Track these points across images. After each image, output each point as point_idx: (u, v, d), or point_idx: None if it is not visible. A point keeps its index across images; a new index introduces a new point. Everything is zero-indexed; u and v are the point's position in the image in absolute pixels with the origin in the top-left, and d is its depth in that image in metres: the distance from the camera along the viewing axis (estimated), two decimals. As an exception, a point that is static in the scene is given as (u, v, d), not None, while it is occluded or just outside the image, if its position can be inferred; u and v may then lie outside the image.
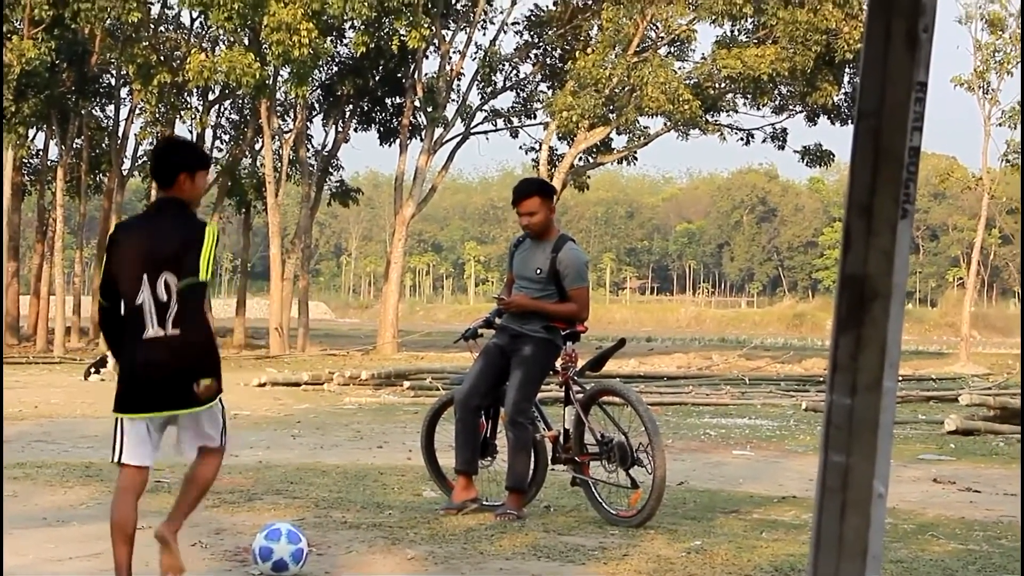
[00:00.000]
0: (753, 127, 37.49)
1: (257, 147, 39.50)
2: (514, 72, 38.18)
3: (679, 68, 34.66)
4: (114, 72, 36.56)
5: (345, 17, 31.61)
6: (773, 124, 37.05)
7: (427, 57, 36.50)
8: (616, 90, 33.04)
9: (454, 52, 36.38)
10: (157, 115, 35.41)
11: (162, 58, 34.04)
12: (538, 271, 7.58)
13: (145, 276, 5.15)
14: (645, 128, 37.06)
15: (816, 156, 37.24)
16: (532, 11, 37.56)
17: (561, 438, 7.75)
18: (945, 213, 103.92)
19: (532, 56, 38.06)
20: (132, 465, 5.23)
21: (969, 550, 6.81)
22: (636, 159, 39.01)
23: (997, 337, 63.73)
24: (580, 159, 36.45)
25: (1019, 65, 34.31)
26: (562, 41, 36.69)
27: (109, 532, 5.21)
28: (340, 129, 38.56)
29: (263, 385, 20.49)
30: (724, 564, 6.22)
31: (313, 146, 39.15)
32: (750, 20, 33.86)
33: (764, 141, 37.45)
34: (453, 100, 36.58)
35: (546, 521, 7.37)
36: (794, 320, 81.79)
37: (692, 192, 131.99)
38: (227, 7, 29.58)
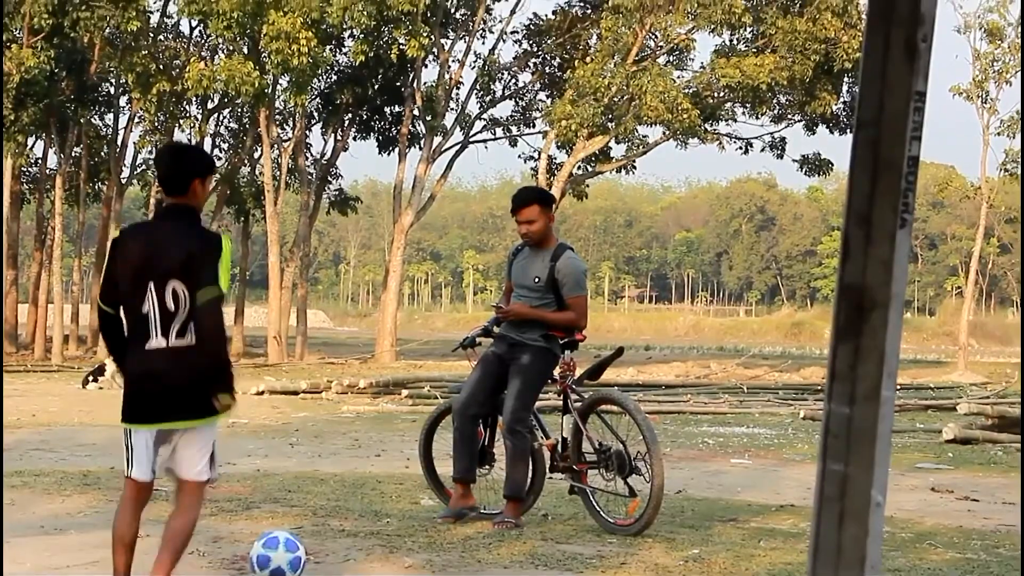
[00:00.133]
0: (752, 136, 37.57)
1: (256, 155, 39.51)
2: (513, 81, 38.28)
3: (678, 77, 34.71)
4: (113, 81, 36.55)
5: (344, 26, 31.66)
6: (772, 133, 37.09)
7: (426, 66, 36.58)
8: (615, 99, 33.06)
9: (453, 61, 36.45)
10: (156, 124, 35.41)
11: (161, 67, 34.03)
12: (536, 280, 7.58)
13: (152, 284, 5.01)
14: (644, 137, 37.11)
15: (815, 165, 37.27)
16: (531, 20, 37.62)
17: (559, 446, 7.75)
18: (944, 222, 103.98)
19: (531, 65, 38.11)
20: (135, 479, 5.17)
21: (967, 559, 6.81)
22: (635, 168, 39.05)
23: (995, 346, 63.72)
24: (579, 168, 36.47)
25: (1017, 75, 34.37)
26: (561, 50, 36.72)
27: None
28: (339, 138, 38.57)
29: (261, 393, 20.48)
30: (722, 573, 6.22)
31: (312, 154, 39.18)
32: (749, 29, 33.91)
33: (763, 150, 37.47)
34: (452, 109, 36.66)
35: (544, 529, 7.36)
36: (792, 329, 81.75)
37: (691, 201, 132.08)
38: (226, 16, 29.61)
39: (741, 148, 37.37)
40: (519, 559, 6.43)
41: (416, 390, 20.43)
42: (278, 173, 35.75)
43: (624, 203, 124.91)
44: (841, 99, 34.91)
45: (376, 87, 37.13)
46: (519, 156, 44.72)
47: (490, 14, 36.96)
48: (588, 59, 33.77)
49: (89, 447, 12.03)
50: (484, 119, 37.81)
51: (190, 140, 36.65)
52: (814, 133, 36.17)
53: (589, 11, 36.22)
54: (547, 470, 7.73)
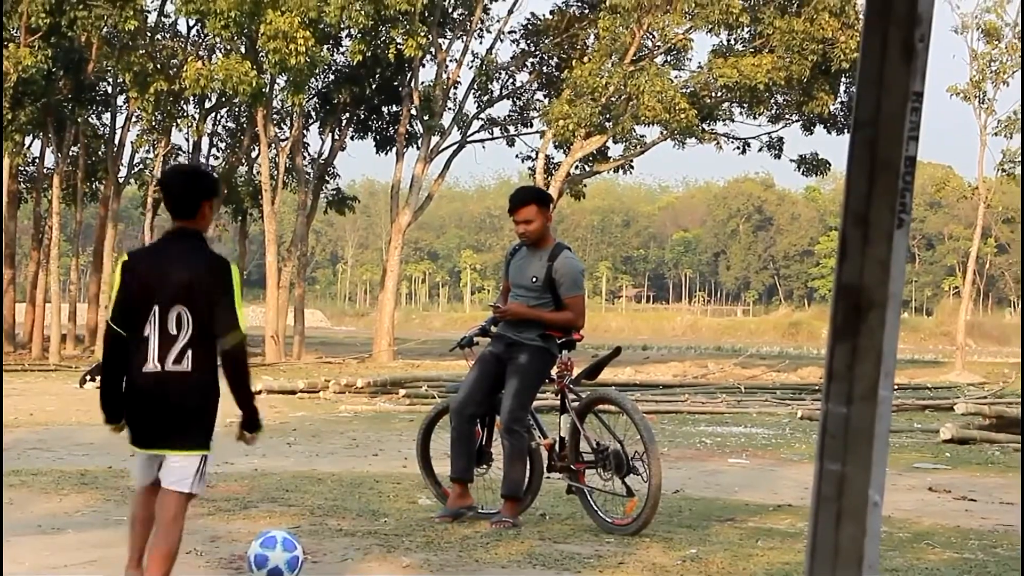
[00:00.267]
0: (749, 136, 37.59)
1: (253, 155, 39.49)
2: (510, 81, 38.28)
3: (675, 77, 34.69)
4: (111, 80, 36.53)
5: (342, 25, 31.63)
6: (769, 133, 37.11)
7: (423, 65, 36.58)
8: (612, 99, 33.07)
9: (450, 60, 36.46)
10: (153, 123, 35.38)
11: (159, 66, 34.01)
12: (534, 279, 7.58)
13: (157, 308, 5.02)
14: (641, 137, 37.12)
15: (812, 165, 37.27)
16: (529, 20, 37.63)
17: (557, 446, 7.75)
18: (941, 222, 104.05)
19: (528, 65, 38.10)
20: (138, 486, 5.29)
21: (964, 559, 6.81)
22: (632, 168, 39.08)
23: (993, 346, 63.73)
24: (576, 168, 36.46)
25: (1016, 74, 34.39)
26: (559, 50, 36.71)
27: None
28: (336, 137, 38.57)
29: (259, 393, 20.43)
30: (719, 572, 6.22)
31: (309, 154, 39.19)
32: (746, 29, 33.91)
33: (760, 150, 37.51)
34: (449, 108, 36.66)
35: (542, 529, 7.36)
36: (790, 329, 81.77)
37: (688, 201, 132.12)
38: (224, 15, 29.59)
39: (738, 148, 37.40)
40: (517, 559, 6.43)
41: (414, 390, 20.42)
42: (275, 172, 35.73)
43: (622, 203, 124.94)
44: (838, 99, 34.91)
45: (374, 87, 37.12)
46: (517, 156, 44.80)
47: (488, 14, 36.95)
48: (586, 59, 33.77)
49: (86, 446, 12.02)
50: (482, 119, 37.87)
51: (187, 140, 36.69)
52: (811, 133, 36.19)
53: (587, 11, 36.22)
54: (545, 470, 7.73)
